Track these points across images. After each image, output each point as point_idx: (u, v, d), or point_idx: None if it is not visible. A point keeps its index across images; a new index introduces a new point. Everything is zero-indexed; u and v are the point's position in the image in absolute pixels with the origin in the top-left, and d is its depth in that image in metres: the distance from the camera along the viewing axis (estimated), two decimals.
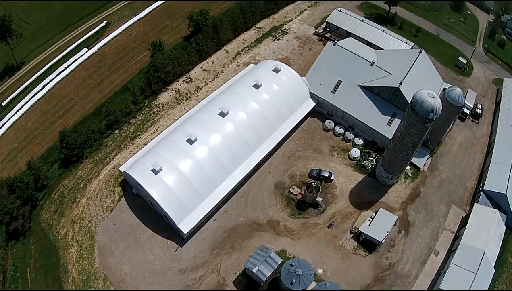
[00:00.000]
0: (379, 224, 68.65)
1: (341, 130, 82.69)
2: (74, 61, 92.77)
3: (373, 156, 79.57)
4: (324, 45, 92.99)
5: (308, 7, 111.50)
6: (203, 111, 76.97)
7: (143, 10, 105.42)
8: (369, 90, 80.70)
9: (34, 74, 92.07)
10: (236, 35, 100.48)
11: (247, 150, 73.71)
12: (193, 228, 67.31)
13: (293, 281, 58.13)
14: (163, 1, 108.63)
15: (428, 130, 64.36)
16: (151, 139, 79.62)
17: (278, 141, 77.65)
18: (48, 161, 78.47)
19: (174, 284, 64.55)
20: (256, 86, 78.78)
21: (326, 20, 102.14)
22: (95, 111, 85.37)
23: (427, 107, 59.62)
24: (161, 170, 66.87)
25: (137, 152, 77.41)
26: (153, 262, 66.79)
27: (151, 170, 66.88)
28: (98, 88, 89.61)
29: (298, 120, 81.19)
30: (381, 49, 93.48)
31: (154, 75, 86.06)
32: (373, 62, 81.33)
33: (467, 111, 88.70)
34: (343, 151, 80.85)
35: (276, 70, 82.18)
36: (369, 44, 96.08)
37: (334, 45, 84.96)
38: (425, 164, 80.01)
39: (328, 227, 70.81)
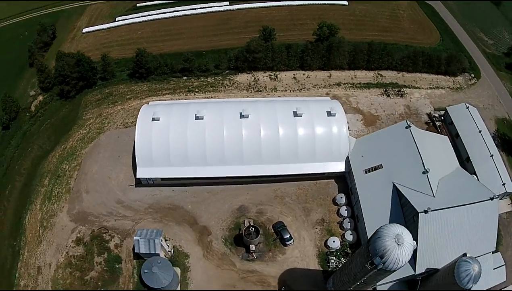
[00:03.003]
0: None
1: (345, 213, 78.12)
2: (211, 7, 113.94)
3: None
4: (427, 129, 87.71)
5: (448, 88, 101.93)
6: (234, 103, 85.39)
7: None
8: (398, 194, 72.50)
9: None
10: (352, 68, 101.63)
11: (236, 158, 79.07)
12: (148, 178, 79.85)
13: (145, 271, 64.97)
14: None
15: (371, 275, 54.12)
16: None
17: (270, 174, 79.84)
18: (128, 65, 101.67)
19: (105, 205, 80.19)
20: (295, 113, 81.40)
21: (446, 107, 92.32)
22: (187, 53, 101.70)
23: (376, 248, 49.52)
24: (158, 120, 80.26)
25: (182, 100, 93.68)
26: (111, 179, 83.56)
27: (152, 116, 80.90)
28: (207, 39, 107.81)
29: (310, 172, 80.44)
30: (473, 172, 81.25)
31: (244, 54, 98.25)
32: (427, 171, 71.75)
33: None
34: (327, 232, 76.92)
35: (329, 113, 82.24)
36: (468, 159, 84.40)
37: (407, 127, 78.10)
38: None
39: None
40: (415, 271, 65.29)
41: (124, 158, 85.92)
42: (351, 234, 75.80)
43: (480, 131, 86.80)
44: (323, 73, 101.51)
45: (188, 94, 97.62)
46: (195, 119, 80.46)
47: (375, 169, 77.76)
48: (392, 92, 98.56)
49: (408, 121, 79.02)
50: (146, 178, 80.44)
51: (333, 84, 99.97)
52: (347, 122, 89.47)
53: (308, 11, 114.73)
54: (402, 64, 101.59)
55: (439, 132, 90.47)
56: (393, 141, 78.67)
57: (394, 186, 73.68)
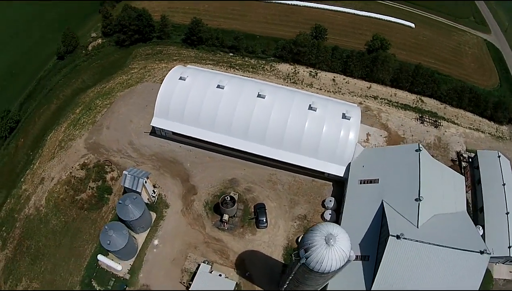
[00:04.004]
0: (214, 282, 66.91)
1: (328, 217, 75.63)
2: None
3: None
4: (451, 167, 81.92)
5: (488, 133, 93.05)
6: (256, 83, 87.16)
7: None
8: (382, 213, 68.32)
9: None
10: (394, 86, 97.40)
11: (242, 133, 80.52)
12: (161, 129, 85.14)
13: (120, 202, 69.60)
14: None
15: (299, 271, 51.80)
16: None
17: (268, 156, 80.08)
18: (184, 31, 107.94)
19: (118, 142, 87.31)
20: (310, 107, 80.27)
21: (477, 150, 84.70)
22: (238, 32, 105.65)
23: (304, 240, 47.98)
24: (183, 79, 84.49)
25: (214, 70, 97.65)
26: (132, 122, 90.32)
27: (180, 75, 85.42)
28: (265, 25, 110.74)
29: (307, 167, 79.14)
30: (482, 225, 74.13)
31: (290, 45, 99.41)
32: (420, 199, 66.56)
33: None
34: (303, 229, 74.33)
35: (343, 116, 79.77)
36: (482, 209, 76.84)
37: (417, 150, 72.74)
38: None
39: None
40: None
41: (150, 108, 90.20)
42: None
43: (504, 185, 78.01)
44: (363, 83, 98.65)
45: (229, 69, 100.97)
46: (216, 87, 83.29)
47: (370, 181, 74.11)
48: (427, 120, 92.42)
49: (420, 145, 74.39)
50: (159, 128, 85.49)
51: (370, 96, 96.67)
52: (368, 133, 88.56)
53: (372, 24, 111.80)
54: (447, 96, 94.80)
55: (461, 173, 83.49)
56: (398, 160, 74.10)
57: (382, 203, 70.03)
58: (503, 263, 75.15)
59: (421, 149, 73.73)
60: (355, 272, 65.67)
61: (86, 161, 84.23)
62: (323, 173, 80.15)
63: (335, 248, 45.93)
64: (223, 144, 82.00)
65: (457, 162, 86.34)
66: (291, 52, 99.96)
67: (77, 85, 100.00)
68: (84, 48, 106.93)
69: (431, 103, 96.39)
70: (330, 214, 76.14)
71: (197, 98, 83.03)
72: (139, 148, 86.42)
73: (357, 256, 66.33)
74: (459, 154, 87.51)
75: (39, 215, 78.63)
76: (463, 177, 78.84)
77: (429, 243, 61.09)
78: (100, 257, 71.18)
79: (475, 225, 73.66)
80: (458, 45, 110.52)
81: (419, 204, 66.76)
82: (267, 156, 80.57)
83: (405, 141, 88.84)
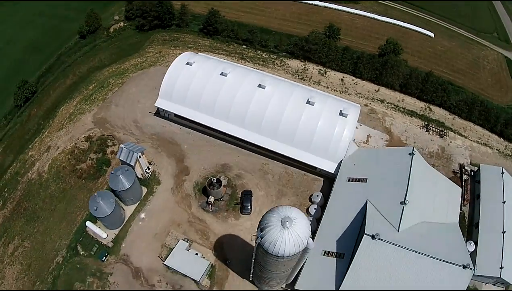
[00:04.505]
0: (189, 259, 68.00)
1: (312, 211, 74.67)
2: None
3: None
4: (451, 179, 79.40)
5: (496, 149, 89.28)
6: (259, 74, 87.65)
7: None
8: (364, 212, 66.72)
9: None
10: (403, 91, 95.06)
11: (239, 120, 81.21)
12: (164, 111, 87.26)
13: (112, 172, 71.86)
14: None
15: (258, 253, 51.50)
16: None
17: (261, 145, 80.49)
18: (200, 20, 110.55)
19: (123, 120, 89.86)
20: (308, 101, 79.86)
21: (480, 164, 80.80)
22: (252, 26, 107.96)
23: (262, 220, 47.46)
24: (190, 65, 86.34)
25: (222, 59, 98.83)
26: (139, 102, 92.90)
27: (188, 60, 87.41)
28: (282, 22, 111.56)
29: (298, 159, 78.76)
30: (475, 241, 70.61)
31: (302, 42, 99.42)
32: (405, 203, 64.54)
33: None
34: None
35: (340, 113, 78.71)
36: (477, 225, 73.23)
37: (410, 154, 70.83)
38: None
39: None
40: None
41: (158, 90, 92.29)
42: None
43: (504, 202, 74.02)
44: (372, 85, 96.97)
45: (240, 60, 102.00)
46: (220, 74, 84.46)
47: (358, 180, 72.86)
48: (433, 129, 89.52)
49: (414, 149, 72.20)
50: (163, 110, 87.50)
51: (377, 99, 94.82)
52: (369, 135, 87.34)
53: (391, 29, 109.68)
54: (457, 107, 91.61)
55: (461, 186, 79.74)
56: (390, 162, 72.50)
57: (367, 202, 68.41)
58: (493, 284, 71.44)
59: (414, 152, 71.62)
60: (328, 268, 64.94)
61: (91, 134, 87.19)
62: (315, 167, 79.46)
63: (290, 231, 45.22)
64: (220, 129, 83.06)
65: (459, 174, 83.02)
66: (302, 49, 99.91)
67: (94, 63, 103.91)
68: (106, 29, 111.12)
69: (439, 113, 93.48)
70: (315, 208, 75.20)
71: (200, 84, 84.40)
72: (142, 126, 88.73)
73: (332, 253, 66.20)
74: (461, 166, 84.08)
75: (40, 180, 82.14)
76: (460, 188, 76.25)
77: (407, 248, 59.21)
78: (88, 223, 73.48)
79: (469, 240, 71.84)
80: (476, 58, 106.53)
81: (403, 207, 64.90)
82: (260, 145, 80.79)
83: (404, 143, 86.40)
